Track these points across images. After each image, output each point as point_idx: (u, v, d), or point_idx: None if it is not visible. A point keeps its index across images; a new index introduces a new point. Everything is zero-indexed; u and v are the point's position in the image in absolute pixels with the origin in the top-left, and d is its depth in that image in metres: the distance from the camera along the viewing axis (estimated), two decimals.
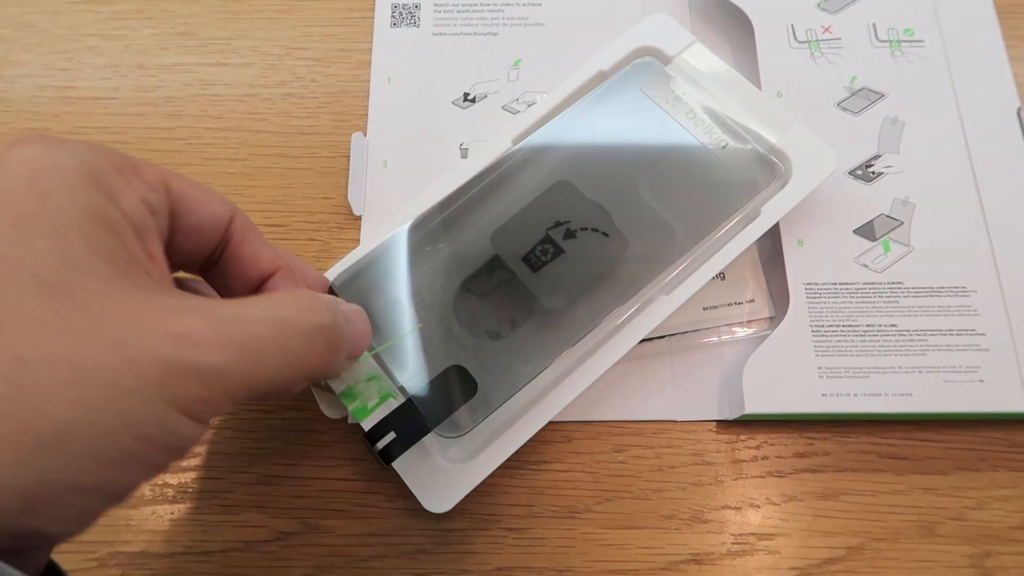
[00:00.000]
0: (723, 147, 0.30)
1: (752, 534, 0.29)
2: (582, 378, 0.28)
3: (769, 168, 0.30)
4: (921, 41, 0.35)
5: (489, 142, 0.32)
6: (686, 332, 0.32)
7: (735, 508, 0.29)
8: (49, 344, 0.15)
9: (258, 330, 0.18)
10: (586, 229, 0.29)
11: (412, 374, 0.27)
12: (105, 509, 0.17)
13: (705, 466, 0.30)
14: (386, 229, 0.30)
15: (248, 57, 0.37)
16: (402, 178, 0.34)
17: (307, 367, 0.20)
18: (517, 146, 0.31)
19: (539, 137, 0.31)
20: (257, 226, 0.23)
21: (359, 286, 0.29)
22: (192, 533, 0.29)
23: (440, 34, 0.37)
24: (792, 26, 0.35)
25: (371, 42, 0.37)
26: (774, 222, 0.29)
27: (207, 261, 0.22)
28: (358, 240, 0.33)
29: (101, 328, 0.15)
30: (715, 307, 0.32)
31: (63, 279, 0.16)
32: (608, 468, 0.30)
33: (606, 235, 0.29)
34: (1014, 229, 0.31)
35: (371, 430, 0.25)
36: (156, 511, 0.29)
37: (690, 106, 0.31)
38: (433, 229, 0.30)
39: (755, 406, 0.29)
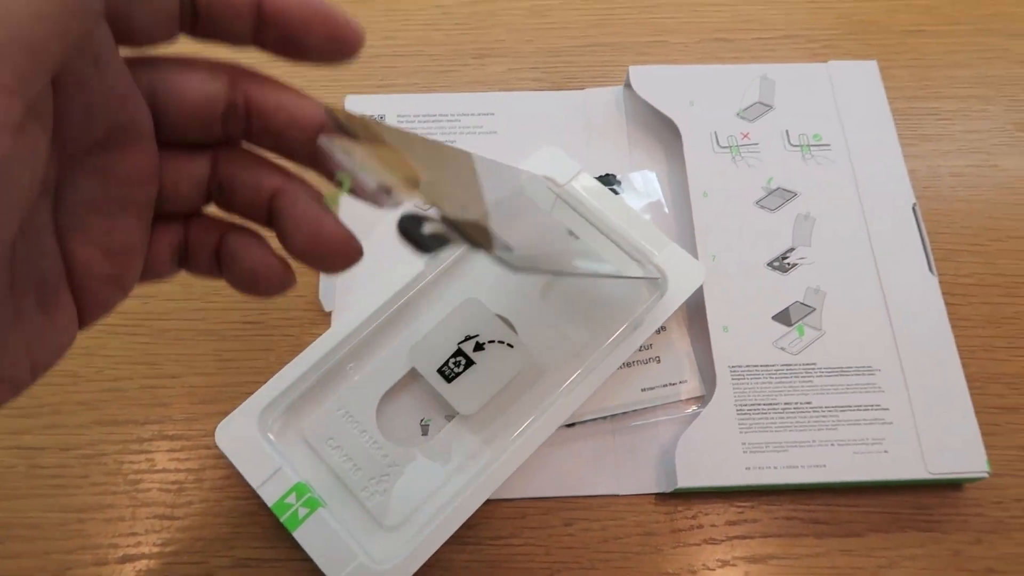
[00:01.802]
0: (610, 264, 0.34)
1: None
2: (489, 483, 0.31)
3: (650, 282, 0.34)
4: (828, 145, 0.39)
5: (404, 265, 0.35)
6: (626, 412, 0.35)
7: (675, 575, 0.33)
8: None
9: None
10: (493, 342, 0.33)
11: (343, 494, 0.31)
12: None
13: (647, 536, 0.33)
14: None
15: None
16: (367, 275, 0.37)
17: None
18: (432, 268, 0.35)
19: (451, 260, 0.35)
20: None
21: (288, 407, 0.32)
22: None
23: None
24: (715, 133, 0.39)
25: None
26: (655, 328, 0.33)
27: (191, 18, 0.18)
28: None
29: None
30: (652, 388, 0.35)
31: None
32: (559, 541, 0.33)
33: (511, 346, 0.33)
34: (911, 313, 0.35)
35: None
36: None
37: (579, 228, 0.35)
38: (356, 347, 0.34)
39: (687, 480, 0.32)
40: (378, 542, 0.30)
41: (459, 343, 0.34)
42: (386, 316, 0.34)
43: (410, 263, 0.35)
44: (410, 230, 0.20)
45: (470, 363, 0.33)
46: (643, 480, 0.34)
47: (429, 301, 0.35)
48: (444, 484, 0.32)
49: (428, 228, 0.20)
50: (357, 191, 0.18)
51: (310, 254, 0.20)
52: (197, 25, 0.18)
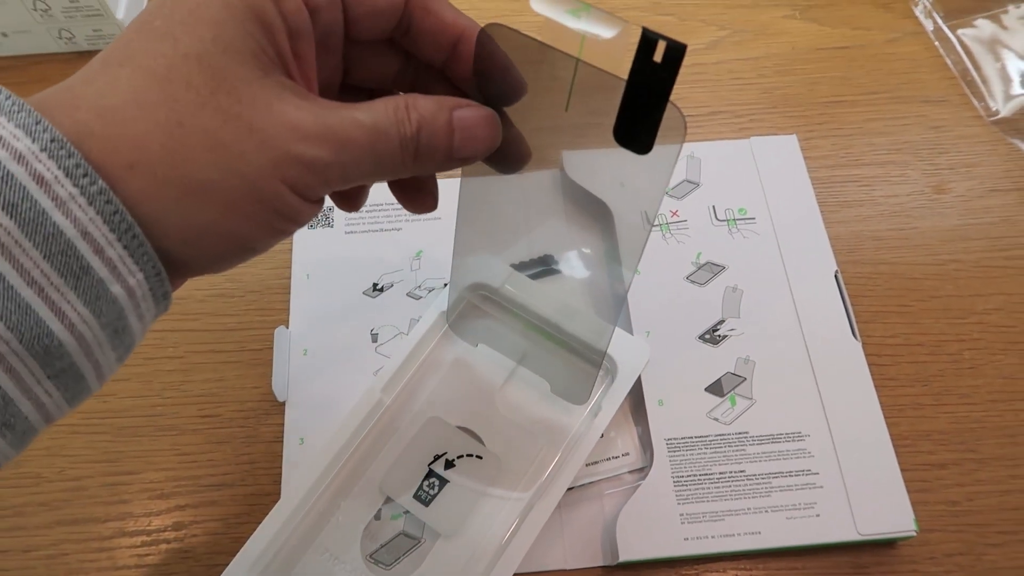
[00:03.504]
0: (559, 357, 0.35)
1: None
2: None
3: (601, 368, 0.36)
4: (753, 218, 0.42)
5: (361, 395, 0.35)
6: (572, 488, 0.36)
7: None
8: (203, 116, 0.19)
9: (358, 135, 0.21)
10: (462, 456, 0.34)
11: None
12: (238, 254, 0.21)
13: None
14: (305, 419, 0.35)
15: None
16: (321, 364, 0.39)
17: (396, 168, 0.22)
18: (387, 395, 0.36)
19: (405, 381, 0.36)
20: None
21: (270, 563, 0.33)
22: None
23: (352, 232, 0.43)
24: (645, 212, 0.42)
25: (291, 243, 0.42)
26: (615, 411, 0.35)
27: (401, 35, 0.24)
28: (283, 424, 0.38)
29: (241, 111, 0.19)
30: (596, 462, 0.37)
31: (220, 64, 0.19)
32: None
33: (480, 457, 0.34)
34: (837, 378, 0.37)
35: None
36: None
37: (522, 328, 0.37)
38: (329, 487, 0.34)
39: (628, 554, 0.33)
40: None
41: (429, 464, 0.35)
42: (352, 451, 0.35)
43: (366, 391, 0.35)
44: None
45: (444, 482, 0.34)
46: (590, 554, 0.35)
47: (392, 428, 0.36)
48: None
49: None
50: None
51: (499, 85, 0.23)
52: (407, 36, 0.24)
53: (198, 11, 0.19)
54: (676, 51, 0.18)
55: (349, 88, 0.26)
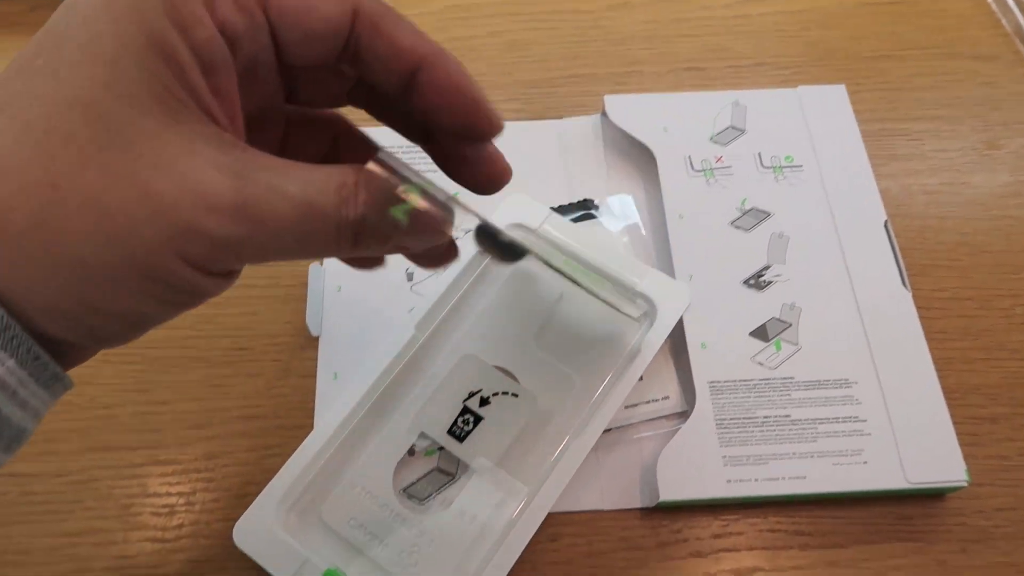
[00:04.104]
0: (597, 298, 0.35)
1: None
2: (516, 539, 0.31)
3: (640, 311, 0.35)
4: (800, 166, 0.40)
5: (397, 331, 0.35)
6: (610, 429, 0.35)
7: None
8: (84, 178, 0.16)
9: (284, 211, 0.17)
10: (497, 394, 0.34)
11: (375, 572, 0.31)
12: (135, 331, 0.18)
13: (632, 551, 0.34)
14: (338, 355, 0.34)
15: None
16: (355, 301, 0.38)
17: (326, 251, 0.19)
18: (422, 332, 0.35)
19: (439, 320, 0.36)
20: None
21: (302, 494, 0.32)
22: None
23: None
24: (689, 158, 0.41)
25: None
26: (653, 354, 0.34)
27: (349, 61, 0.20)
28: (316, 359, 0.37)
29: (136, 171, 0.16)
30: (635, 405, 0.36)
31: (114, 113, 0.16)
32: (545, 556, 0.33)
33: (516, 396, 0.34)
34: (886, 326, 0.36)
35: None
36: None
37: (561, 268, 0.36)
38: (362, 421, 0.33)
39: (668, 494, 0.32)
40: None
41: (464, 401, 0.34)
42: (385, 386, 0.34)
43: (400, 328, 0.35)
44: (489, 240, 0.25)
45: (478, 419, 0.34)
46: (627, 495, 0.34)
47: (426, 365, 0.35)
48: (472, 544, 0.31)
49: (505, 238, 0.24)
50: (423, 202, 0.19)
51: (459, 119, 0.21)
52: (355, 61, 0.20)
53: (89, 47, 0.16)
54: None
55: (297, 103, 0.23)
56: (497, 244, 0.25)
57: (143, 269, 0.17)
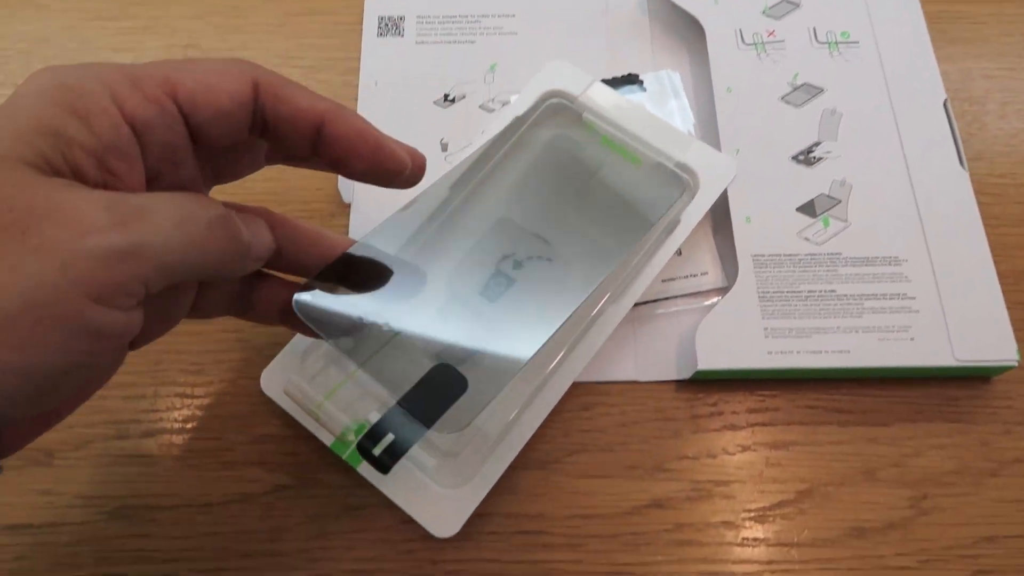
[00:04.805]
0: (638, 167, 0.33)
1: (709, 481, 0.32)
2: (553, 391, 0.31)
3: (680, 181, 0.34)
4: (857, 42, 0.38)
5: (429, 191, 0.33)
6: (647, 302, 0.35)
7: (693, 458, 0.32)
8: None
9: (160, 217, 0.18)
10: (531, 258, 0.32)
11: (398, 382, 0.29)
12: (60, 390, 0.18)
13: (666, 421, 0.33)
14: (369, 223, 0.33)
15: None
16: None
17: (210, 252, 0.20)
18: (456, 194, 0.34)
19: (475, 182, 0.34)
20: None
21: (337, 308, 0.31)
22: (194, 487, 0.31)
23: (423, 43, 0.40)
24: (740, 31, 0.39)
25: (359, 51, 0.40)
26: (694, 226, 0.33)
27: (261, 132, 0.23)
28: (347, 226, 0.36)
29: (11, 220, 0.16)
30: (673, 279, 0.35)
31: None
32: (576, 424, 0.33)
33: (550, 260, 0.32)
34: (941, 206, 0.35)
35: (362, 439, 0.27)
36: (166, 467, 0.32)
37: (601, 135, 0.35)
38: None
39: (707, 363, 0.32)
40: (445, 468, 0.31)
41: (497, 263, 0.33)
42: (418, 247, 0.33)
43: (435, 187, 0.33)
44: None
45: (511, 281, 0.33)
46: (662, 368, 0.34)
47: (459, 226, 0.34)
48: (500, 403, 0.31)
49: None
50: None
51: (367, 163, 0.23)
52: (266, 132, 0.22)
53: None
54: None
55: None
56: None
57: (33, 307, 0.16)
